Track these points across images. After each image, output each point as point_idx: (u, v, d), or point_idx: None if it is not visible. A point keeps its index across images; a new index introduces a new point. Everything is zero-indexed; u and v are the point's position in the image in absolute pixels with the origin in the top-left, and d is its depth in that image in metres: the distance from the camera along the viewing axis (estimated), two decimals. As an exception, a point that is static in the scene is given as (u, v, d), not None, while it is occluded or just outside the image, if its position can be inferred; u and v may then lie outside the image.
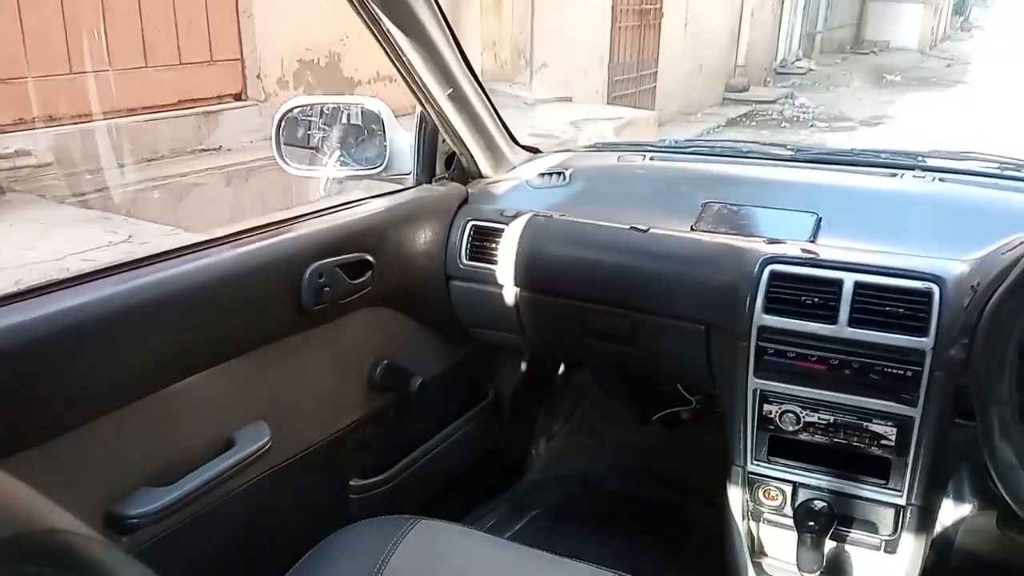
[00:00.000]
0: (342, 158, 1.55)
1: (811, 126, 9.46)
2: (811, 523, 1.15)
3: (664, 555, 1.08)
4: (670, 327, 1.36)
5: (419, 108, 1.47)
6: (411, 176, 1.53)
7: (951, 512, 1.59)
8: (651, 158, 1.64)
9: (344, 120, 1.56)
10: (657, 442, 1.93)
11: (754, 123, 9.88)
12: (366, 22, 1.27)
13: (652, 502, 1.81)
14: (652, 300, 1.35)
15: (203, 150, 4.68)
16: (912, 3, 17.58)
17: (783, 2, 12.55)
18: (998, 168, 1.43)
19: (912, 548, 1.24)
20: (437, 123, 1.47)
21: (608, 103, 8.35)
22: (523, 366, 1.87)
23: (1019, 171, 1.42)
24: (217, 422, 1.14)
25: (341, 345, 1.35)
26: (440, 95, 1.40)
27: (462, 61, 1.42)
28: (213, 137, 4.77)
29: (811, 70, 13.32)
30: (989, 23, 29.91)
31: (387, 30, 1.27)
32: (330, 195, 1.66)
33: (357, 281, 1.30)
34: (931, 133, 7.87)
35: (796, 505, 1.21)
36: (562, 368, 1.99)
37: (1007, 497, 0.89)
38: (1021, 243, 1.03)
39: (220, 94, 4.96)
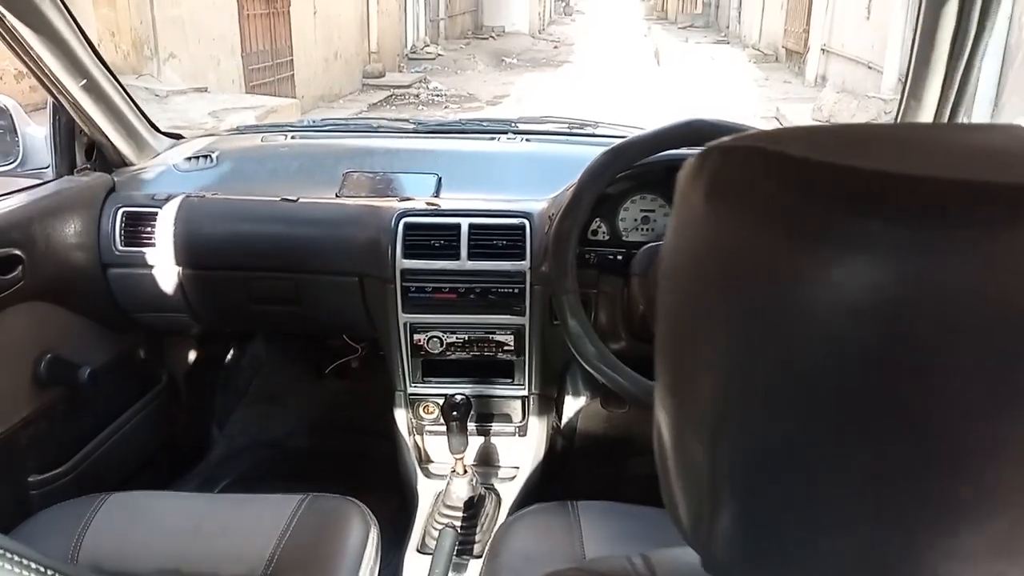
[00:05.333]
0: (-34, 157, 1.50)
1: (445, 108, 10.14)
2: (454, 413, 1.42)
3: (350, 488, 1.27)
4: (329, 283, 1.54)
5: (51, 101, 1.48)
6: (50, 169, 1.53)
7: (572, 405, 2.00)
8: (293, 137, 1.81)
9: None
10: (334, 394, 2.11)
11: (394, 107, 10.32)
12: None
13: (335, 450, 2.00)
14: (309, 261, 1.53)
15: None
16: (520, -9, 19.42)
17: (404, -10, 13.16)
18: (568, 128, 1.83)
19: (538, 429, 1.59)
20: (73, 114, 1.49)
21: (247, 92, 8.20)
22: (193, 347, 1.94)
23: (583, 129, 1.82)
24: None
25: (1, 343, 1.34)
26: (73, 86, 1.43)
27: (92, 52, 1.46)
28: None
29: (440, 55, 14.17)
30: (588, 8, 34.01)
31: (12, 26, 1.28)
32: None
33: (8, 276, 1.30)
34: (542, 105, 8.89)
35: (442, 404, 1.48)
36: (233, 344, 2.08)
37: (578, 358, 1.22)
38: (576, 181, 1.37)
39: None
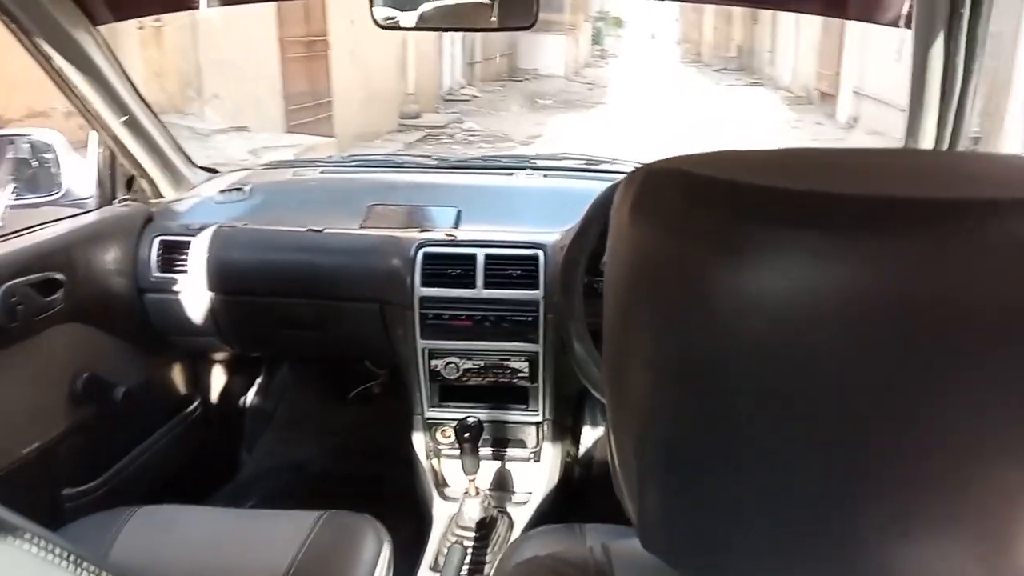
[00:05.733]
0: (16, 188, 1.59)
1: (479, 147, 10.32)
2: (466, 435, 1.47)
3: (370, 509, 1.32)
4: (351, 309, 1.61)
5: (95, 136, 1.58)
6: (93, 200, 1.62)
7: (590, 434, 2.02)
8: (322, 171, 1.90)
9: (13, 152, 1.60)
10: (357, 419, 2.17)
11: (430, 147, 10.52)
12: (38, 60, 1.37)
13: (357, 473, 2.05)
14: (333, 288, 1.59)
15: None
16: (555, 35, 19.73)
17: (440, 35, 13.47)
18: (585, 164, 1.89)
19: (552, 455, 1.63)
20: (114, 149, 1.59)
21: (287, 131, 8.43)
22: (224, 371, 2.01)
23: (599, 165, 1.88)
24: None
25: (41, 360, 1.42)
26: (115, 123, 1.53)
27: (134, 91, 1.56)
28: None
29: (475, 96, 14.44)
30: (621, 51, 34.39)
31: (59, 67, 1.39)
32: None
33: (49, 299, 1.39)
34: (574, 144, 9.01)
35: (455, 426, 1.53)
36: (263, 368, 2.16)
37: (585, 383, 1.26)
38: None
39: None
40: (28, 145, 1.59)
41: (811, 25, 13.39)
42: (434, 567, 1.51)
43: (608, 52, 33.35)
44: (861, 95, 10.75)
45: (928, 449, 0.34)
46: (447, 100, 13.74)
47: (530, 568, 0.51)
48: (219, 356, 1.92)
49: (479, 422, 1.49)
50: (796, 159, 0.39)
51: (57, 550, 0.61)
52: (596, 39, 31.08)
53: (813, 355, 0.34)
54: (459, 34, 14.26)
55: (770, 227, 0.33)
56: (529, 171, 1.86)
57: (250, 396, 2.14)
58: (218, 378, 2.00)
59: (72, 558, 0.62)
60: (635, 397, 0.40)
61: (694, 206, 0.36)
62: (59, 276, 1.42)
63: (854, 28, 10.73)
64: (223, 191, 1.77)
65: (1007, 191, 0.33)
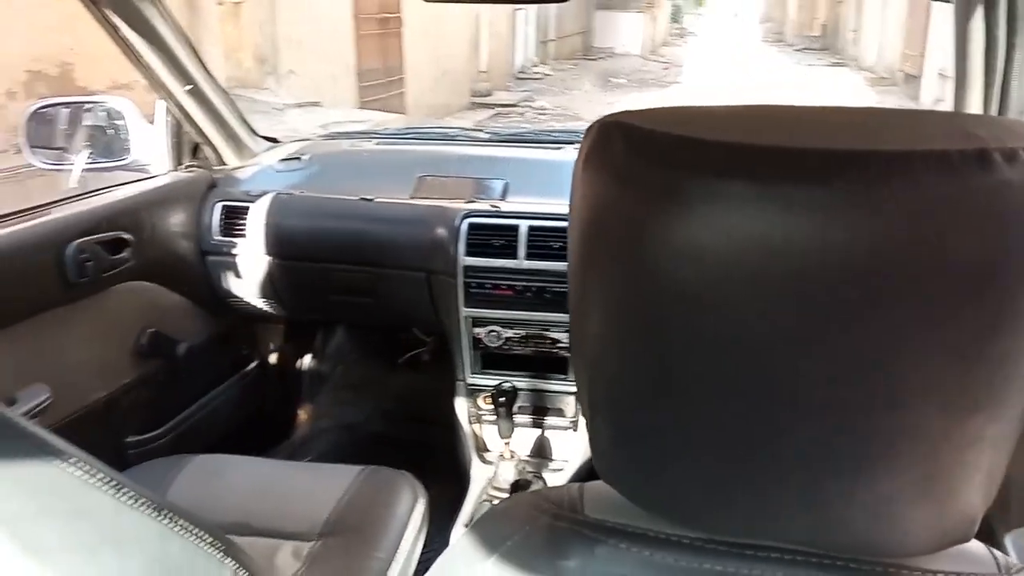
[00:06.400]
0: (91, 152, 1.69)
1: (549, 125, 10.31)
2: (502, 399, 1.51)
3: (413, 470, 1.38)
4: (399, 277, 1.66)
5: (163, 105, 1.66)
6: (160, 166, 1.72)
7: None
8: (377, 143, 1.95)
9: (89, 117, 1.70)
10: (405, 384, 2.24)
11: (500, 125, 10.56)
12: (107, 31, 1.46)
13: (402, 438, 2.11)
14: (382, 256, 1.65)
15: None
16: (633, 13, 19.46)
17: (514, 12, 13.46)
18: None
19: None
20: (180, 117, 1.67)
21: (359, 108, 8.59)
22: (282, 334, 2.10)
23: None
24: None
25: (108, 315, 1.51)
26: (179, 92, 1.61)
27: (198, 62, 1.63)
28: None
29: (547, 75, 14.40)
30: (700, 29, 33.66)
31: (125, 37, 1.47)
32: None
33: (117, 257, 1.48)
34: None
35: (491, 391, 1.57)
36: (319, 334, 2.24)
37: None
38: None
39: (-57, 107, 4.63)
40: (104, 112, 1.69)
41: (897, 4, 12.87)
42: (468, 524, 1.56)
43: (687, 31, 32.67)
44: (946, 77, 10.28)
45: (847, 385, 0.36)
46: (519, 78, 13.74)
47: (516, 500, 0.55)
48: (277, 319, 2.00)
49: (514, 388, 1.53)
50: (749, 114, 0.41)
51: (100, 475, 0.67)
52: (675, 17, 30.50)
53: (736, 297, 0.36)
54: (532, 12, 14.23)
55: (698, 177, 0.36)
56: (577, 145, 1.87)
57: (306, 359, 2.23)
58: (276, 340, 2.09)
59: (114, 483, 0.68)
60: (589, 337, 0.43)
61: (634, 156, 0.38)
62: (127, 236, 1.51)
63: (941, 8, 10.26)
64: (282, 160, 1.84)
65: (925, 143, 0.34)
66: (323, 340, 2.25)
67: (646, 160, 0.38)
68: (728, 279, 0.36)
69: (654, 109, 0.42)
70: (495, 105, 11.51)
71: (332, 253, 1.68)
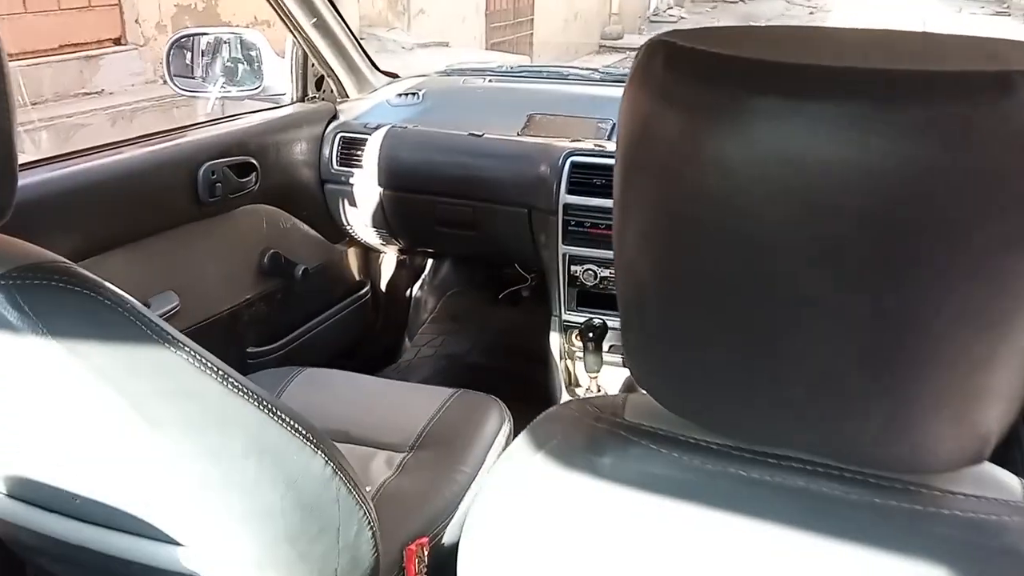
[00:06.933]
0: (225, 81, 1.82)
1: (679, 71, 10.00)
2: (590, 335, 1.54)
3: (508, 401, 1.45)
4: (502, 212, 1.71)
5: (291, 38, 1.75)
6: (287, 96, 1.82)
7: None
8: (490, 80, 1.99)
9: (226, 48, 1.82)
10: (506, 318, 2.30)
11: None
12: None
13: (499, 369, 2.19)
14: (487, 191, 1.70)
15: (85, 93, 4.76)
16: (779, -47, 18.37)
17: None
18: None
19: None
20: (306, 49, 1.76)
21: (487, 49, 8.60)
22: (394, 264, 2.20)
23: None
24: (134, 288, 1.42)
25: (234, 235, 1.64)
26: (306, 24, 1.69)
27: None
28: (95, 81, 4.85)
29: (682, 19, 13.90)
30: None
31: None
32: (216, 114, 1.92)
33: (244, 179, 1.59)
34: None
35: (581, 325, 1.60)
36: (427, 265, 2.33)
37: None
38: None
39: (100, 39, 5.02)
40: (239, 43, 1.81)
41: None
42: None
43: (837, -27, 30.58)
44: None
45: (864, 297, 0.38)
46: (652, 22, 13.32)
47: (567, 405, 0.59)
48: (389, 249, 2.10)
49: (604, 324, 1.56)
50: (799, 35, 0.42)
51: (210, 363, 0.76)
52: (825, -42, 28.62)
53: (764, 207, 0.38)
54: (671, -48, 13.68)
55: (731, 92, 0.38)
56: None
57: (414, 289, 2.33)
58: (387, 269, 2.19)
59: (221, 372, 0.77)
60: (627, 246, 0.46)
61: (674, 73, 0.40)
62: (254, 161, 1.62)
63: None
64: (399, 95, 1.90)
65: (955, 65, 0.35)
66: (431, 272, 2.35)
67: (683, 76, 0.40)
68: (759, 190, 0.38)
69: (707, 28, 0.44)
70: (625, 48, 11.24)
71: (439, 186, 1.74)
